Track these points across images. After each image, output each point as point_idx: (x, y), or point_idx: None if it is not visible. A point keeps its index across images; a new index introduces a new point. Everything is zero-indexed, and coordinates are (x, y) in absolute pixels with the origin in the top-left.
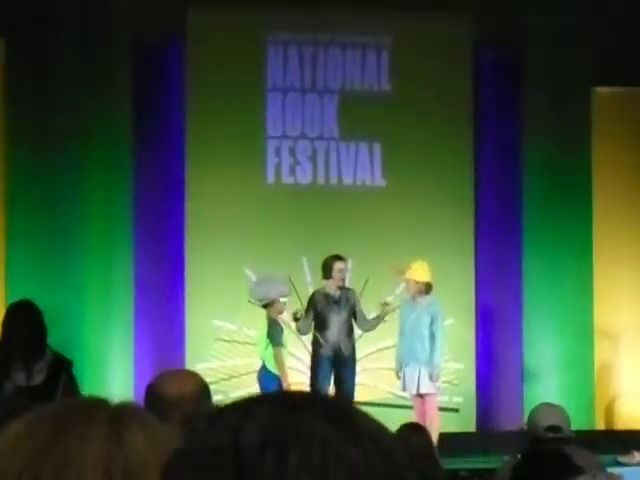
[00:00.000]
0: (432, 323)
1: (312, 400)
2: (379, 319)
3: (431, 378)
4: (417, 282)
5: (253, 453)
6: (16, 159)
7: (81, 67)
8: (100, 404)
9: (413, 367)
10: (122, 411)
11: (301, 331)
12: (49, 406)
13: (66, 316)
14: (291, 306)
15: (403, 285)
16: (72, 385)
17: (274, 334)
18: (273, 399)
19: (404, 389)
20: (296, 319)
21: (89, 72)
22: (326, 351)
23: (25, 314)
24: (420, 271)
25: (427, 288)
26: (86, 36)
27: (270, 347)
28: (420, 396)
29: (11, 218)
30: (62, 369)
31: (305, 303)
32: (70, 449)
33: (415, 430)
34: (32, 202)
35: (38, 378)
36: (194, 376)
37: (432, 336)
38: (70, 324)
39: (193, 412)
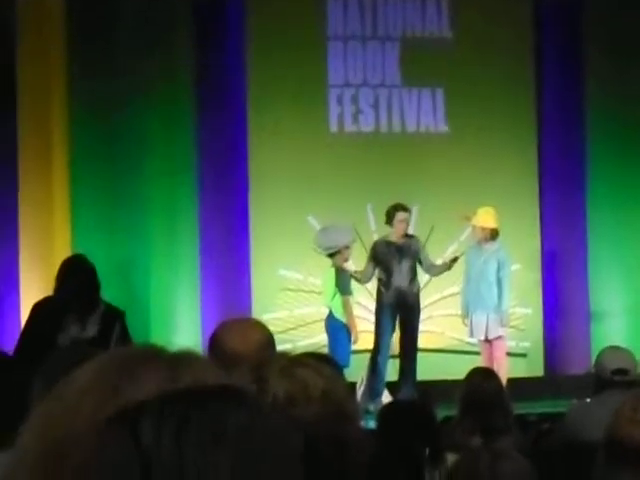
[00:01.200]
0: (499, 269)
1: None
2: (446, 266)
3: (500, 323)
4: (484, 228)
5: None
6: (78, 114)
7: (143, 15)
8: (159, 350)
9: (481, 313)
10: (181, 356)
11: (362, 280)
12: (109, 352)
13: (132, 270)
14: (356, 254)
15: (468, 232)
16: (125, 336)
17: (342, 282)
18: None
19: (472, 335)
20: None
21: (151, 21)
22: (389, 299)
23: (78, 267)
24: (487, 217)
25: (493, 234)
26: None
27: (338, 295)
28: (488, 342)
29: (75, 173)
30: (115, 320)
31: (369, 249)
32: (128, 394)
33: (486, 375)
34: (96, 158)
35: (92, 330)
36: (258, 325)
37: (499, 282)
38: (136, 277)
39: (260, 362)
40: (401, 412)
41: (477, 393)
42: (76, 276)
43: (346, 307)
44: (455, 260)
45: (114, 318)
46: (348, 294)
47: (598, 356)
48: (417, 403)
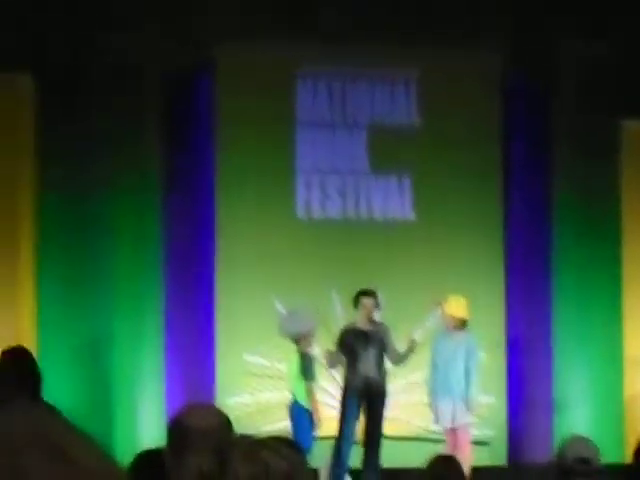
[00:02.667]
0: (468, 357)
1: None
2: (408, 353)
3: (467, 411)
4: (454, 317)
5: None
6: (47, 198)
7: (111, 104)
8: None
9: (447, 400)
10: None
11: (331, 365)
12: None
13: (97, 352)
14: (321, 339)
15: (433, 318)
16: None
17: (306, 368)
18: None
19: (437, 422)
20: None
21: (120, 109)
22: (356, 385)
23: (20, 359)
24: (457, 306)
25: (463, 323)
26: (116, 73)
27: (302, 381)
28: (453, 430)
29: (42, 261)
30: None
31: (334, 336)
32: None
33: (447, 461)
34: (64, 245)
35: None
36: (218, 409)
37: (467, 370)
38: (101, 360)
39: (221, 443)
40: None
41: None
42: (18, 368)
43: (309, 392)
44: (414, 341)
45: None
46: (311, 379)
47: (560, 445)
48: None
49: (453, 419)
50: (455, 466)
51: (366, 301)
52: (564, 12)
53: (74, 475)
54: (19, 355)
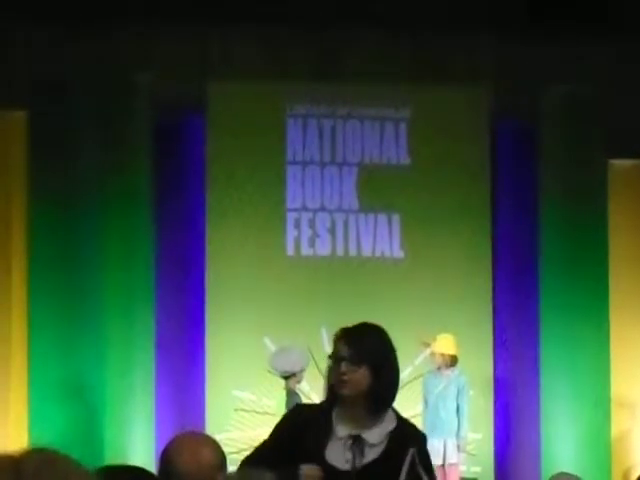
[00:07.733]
0: (459, 395)
1: None
2: None
3: (458, 449)
4: (443, 355)
5: None
6: (37, 247)
7: (101, 145)
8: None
9: (438, 438)
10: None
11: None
12: None
13: (87, 388)
14: (310, 376)
15: (423, 356)
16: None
17: (292, 404)
18: None
19: None
20: None
21: (109, 151)
22: None
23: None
24: (446, 343)
25: (453, 361)
26: (106, 113)
27: None
28: (442, 467)
29: (34, 290)
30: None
31: (323, 371)
32: None
33: None
34: (54, 287)
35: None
36: (210, 445)
37: (458, 408)
38: (91, 396)
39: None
40: None
41: None
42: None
43: None
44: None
45: None
46: None
47: None
48: None
49: (444, 457)
50: None
51: None
52: (548, 56)
53: None
54: None
